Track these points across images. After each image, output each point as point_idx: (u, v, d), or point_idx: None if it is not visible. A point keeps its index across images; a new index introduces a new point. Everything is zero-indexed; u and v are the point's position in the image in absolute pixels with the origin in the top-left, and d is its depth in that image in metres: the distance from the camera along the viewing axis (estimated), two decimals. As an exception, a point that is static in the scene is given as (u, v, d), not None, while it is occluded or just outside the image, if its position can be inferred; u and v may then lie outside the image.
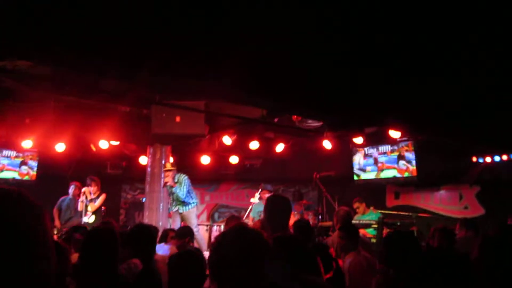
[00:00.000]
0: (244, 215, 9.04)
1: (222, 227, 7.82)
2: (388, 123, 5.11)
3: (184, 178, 7.66)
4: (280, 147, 8.70)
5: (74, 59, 3.63)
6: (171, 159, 7.91)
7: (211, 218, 10.79)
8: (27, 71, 5.21)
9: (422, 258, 2.57)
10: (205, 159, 8.80)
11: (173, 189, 7.55)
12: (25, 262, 0.84)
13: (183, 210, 7.61)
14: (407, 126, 5.15)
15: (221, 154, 8.93)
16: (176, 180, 7.62)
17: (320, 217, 8.62)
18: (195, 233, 7.21)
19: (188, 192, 7.66)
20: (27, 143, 7.82)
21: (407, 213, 7.86)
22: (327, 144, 7.82)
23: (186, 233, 5.09)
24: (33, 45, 3.41)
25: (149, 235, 3.57)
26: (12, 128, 7.14)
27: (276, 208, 3.23)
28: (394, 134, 7.03)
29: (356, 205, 7.43)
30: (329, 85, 3.78)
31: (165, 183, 7.55)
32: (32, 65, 5.23)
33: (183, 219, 7.62)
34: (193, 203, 7.74)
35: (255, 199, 8.94)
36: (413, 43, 3.39)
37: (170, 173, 7.55)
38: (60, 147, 8.03)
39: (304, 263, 1.98)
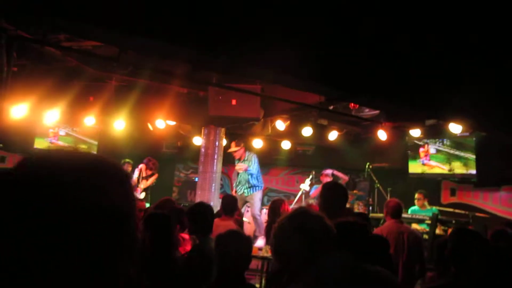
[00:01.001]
0: (293, 200, 9.07)
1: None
2: (451, 117, 4.90)
3: (253, 156, 7.69)
4: (333, 135, 8.58)
5: (139, 42, 3.73)
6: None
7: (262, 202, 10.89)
8: (92, 51, 5.44)
9: (488, 259, 2.47)
10: (258, 143, 8.84)
11: (244, 172, 7.55)
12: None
13: (248, 193, 7.60)
14: (471, 120, 4.90)
15: (274, 139, 8.94)
16: (245, 158, 7.65)
17: (370, 208, 8.48)
18: (257, 217, 7.31)
19: (258, 172, 7.68)
20: (89, 121, 8.18)
21: (463, 211, 7.55)
22: (382, 135, 7.62)
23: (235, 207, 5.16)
24: (100, 27, 3.53)
25: (206, 213, 3.68)
26: (76, 106, 7.49)
27: (332, 194, 3.21)
28: (455, 128, 6.72)
29: (418, 196, 7.29)
30: (392, 74, 3.67)
31: (239, 159, 7.56)
32: (96, 45, 5.45)
33: (247, 202, 7.65)
34: (259, 186, 7.75)
35: (305, 185, 8.93)
36: (487, 31, 3.21)
37: (238, 152, 7.56)
38: (119, 125, 8.34)
39: (368, 252, 1.94)
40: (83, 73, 6.60)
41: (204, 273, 3.01)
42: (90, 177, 0.70)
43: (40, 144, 8.48)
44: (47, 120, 7.96)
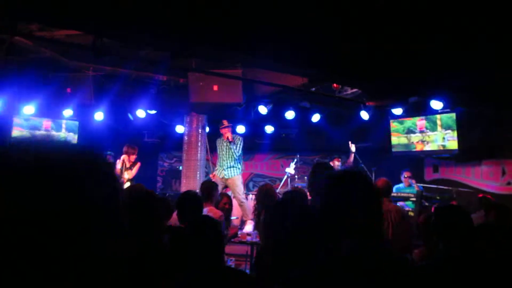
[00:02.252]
0: (279, 184, 9.07)
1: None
2: (433, 93, 4.92)
3: (240, 138, 7.58)
4: (316, 117, 8.58)
5: (114, 29, 3.62)
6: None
7: (245, 187, 10.89)
8: (65, 40, 5.27)
9: (473, 232, 2.50)
10: (241, 129, 8.79)
11: (230, 145, 7.39)
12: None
13: (230, 175, 7.45)
14: (452, 95, 4.94)
15: (257, 123, 8.90)
16: (233, 137, 7.51)
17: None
18: (243, 201, 7.22)
19: (240, 155, 7.56)
20: (68, 112, 8.00)
21: (447, 188, 7.66)
22: (364, 115, 7.65)
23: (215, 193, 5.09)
24: (75, 15, 3.41)
25: (195, 201, 3.66)
26: (54, 98, 7.30)
27: (317, 174, 3.22)
28: (436, 104, 6.76)
29: (407, 174, 7.40)
30: (372, 51, 3.64)
31: (226, 137, 7.39)
32: (69, 35, 5.29)
33: (228, 185, 7.48)
34: (240, 168, 7.64)
35: (290, 169, 8.93)
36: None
37: (228, 129, 7.42)
38: (99, 116, 8.18)
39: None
40: (59, 64, 6.43)
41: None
42: (68, 164, 0.69)
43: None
44: (24, 113, 7.76)
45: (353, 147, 8.42)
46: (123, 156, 8.11)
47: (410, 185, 7.46)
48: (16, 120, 8.08)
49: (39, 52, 5.90)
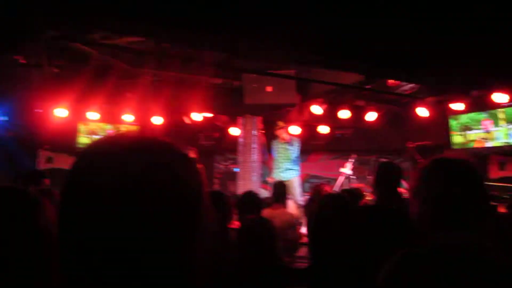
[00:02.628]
0: (334, 185, 8.95)
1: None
2: (497, 86, 4.67)
3: (296, 139, 7.60)
4: (371, 116, 8.40)
5: (173, 33, 3.75)
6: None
7: (302, 188, 10.81)
8: (127, 46, 5.52)
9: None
10: (295, 130, 8.77)
11: (287, 146, 7.43)
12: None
13: (287, 177, 7.47)
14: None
15: (311, 124, 8.84)
16: (290, 138, 7.55)
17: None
18: (301, 204, 7.21)
19: (297, 156, 7.57)
20: (128, 117, 8.35)
21: (515, 185, 7.22)
22: (422, 111, 7.39)
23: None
24: (137, 21, 3.57)
25: (255, 201, 3.71)
26: (115, 103, 7.64)
27: (386, 173, 3.17)
28: (499, 97, 6.38)
29: None
30: (432, 45, 3.52)
31: (282, 139, 7.44)
32: (130, 41, 5.53)
33: None
34: (297, 170, 7.65)
35: (346, 169, 8.78)
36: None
37: (284, 130, 7.46)
38: (157, 120, 8.46)
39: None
40: (119, 70, 6.73)
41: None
42: (162, 161, 0.69)
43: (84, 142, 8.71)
44: (88, 118, 8.17)
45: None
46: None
47: None
48: (80, 126, 8.53)
49: (102, 59, 6.21)
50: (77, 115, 7.79)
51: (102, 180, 0.64)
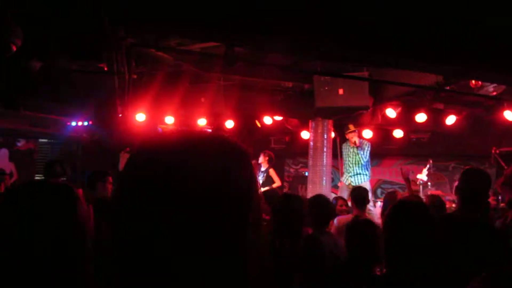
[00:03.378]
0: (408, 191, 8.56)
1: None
2: None
3: (367, 143, 7.47)
4: (451, 119, 7.94)
5: (245, 38, 3.79)
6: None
7: (373, 194, 10.49)
8: (201, 51, 5.67)
9: None
10: (368, 133, 8.52)
11: (358, 150, 7.32)
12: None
13: (356, 182, 7.35)
14: None
15: (385, 127, 8.55)
16: (360, 142, 7.44)
17: (500, 197, 7.68)
18: (370, 209, 7.03)
19: (367, 161, 7.43)
20: (202, 122, 8.59)
21: None
22: (508, 115, 6.87)
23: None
24: (209, 27, 3.65)
25: (322, 206, 3.64)
26: (190, 108, 7.90)
27: (472, 181, 2.97)
28: None
29: None
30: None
31: (353, 143, 7.36)
32: (204, 47, 5.69)
33: None
34: (367, 175, 7.49)
35: (422, 175, 8.39)
36: None
37: (355, 134, 7.39)
38: (229, 124, 8.62)
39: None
40: (194, 76, 6.95)
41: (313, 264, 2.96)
42: (217, 158, 0.69)
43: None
44: (165, 123, 8.52)
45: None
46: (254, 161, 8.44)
47: None
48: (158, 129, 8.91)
49: (177, 65, 6.44)
50: (155, 119, 8.15)
51: (152, 175, 0.65)
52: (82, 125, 8.61)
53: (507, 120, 6.92)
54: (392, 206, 2.03)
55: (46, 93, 5.89)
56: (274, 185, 8.02)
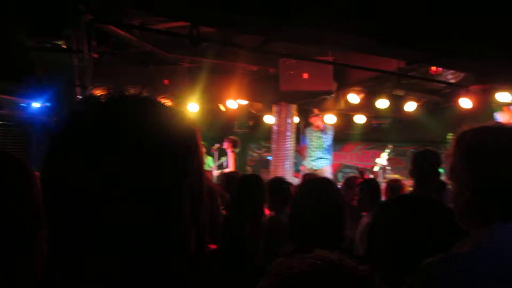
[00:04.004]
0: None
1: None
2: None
3: (331, 127, 7.55)
4: (411, 106, 8.16)
5: (210, 15, 3.73)
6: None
7: (335, 178, 10.70)
8: (165, 31, 5.55)
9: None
10: (330, 118, 8.64)
11: (322, 134, 7.38)
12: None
13: (319, 166, 7.46)
14: None
15: (347, 113, 8.70)
16: (324, 127, 7.51)
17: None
18: None
19: (330, 146, 7.52)
20: (165, 103, 8.42)
21: None
22: (465, 102, 7.12)
23: None
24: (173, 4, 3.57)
25: (283, 188, 3.67)
26: (153, 90, 7.72)
27: (423, 162, 3.06)
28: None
29: None
30: (482, 27, 3.35)
31: (317, 127, 7.40)
32: (169, 27, 5.57)
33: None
34: (329, 159, 7.60)
35: (381, 160, 8.61)
36: None
37: (319, 118, 7.44)
38: (193, 107, 8.51)
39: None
40: (158, 58, 6.80)
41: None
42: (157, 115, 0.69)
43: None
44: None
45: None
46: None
47: None
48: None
49: (141, 46, 6.28)
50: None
51: (91, 124, 0.64)
52: (40, 107, 8.27)
53: (463, 107, 7.17)
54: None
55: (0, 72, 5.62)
56: (226, 170, 7.99)
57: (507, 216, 1.12)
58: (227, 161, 8.22)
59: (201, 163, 0.72)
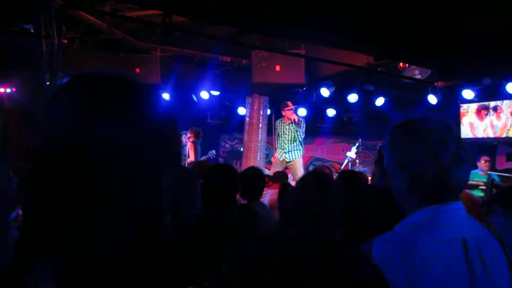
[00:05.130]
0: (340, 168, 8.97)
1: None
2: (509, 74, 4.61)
3: (303, 120, 7.58)
4: (380, 101, 8.36)
5: (184, 4, 3.71)
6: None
7: (305, 170, 10.83)
8: (137, 18, 5.49)
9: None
10: (302, 111, 8.74)
11: (297, 127, 7.41)
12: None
13: (291, 158, 7.51)
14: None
15: (318, 106, 8.81)
16: (299, 122, 7.54)
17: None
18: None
19: (302, 138, 7.57)
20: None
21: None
22: (432, 98, 7.34)
23: (285, 176, 5.17)
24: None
25: (256, 178, 3.71)
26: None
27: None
28: (512, 88, 6.34)
29: (484, 158, 7.03)
30: (446, 28, 3.47)
31: (292, 119, 7.41)
32: (140, 15, 5.50)
33: (289, 168, 7.46)
34: (301, 151, 7.65)
35: (351, 153, 8.78)
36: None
37: (290, 111, 7.46)
38: (165, 96, 8.45)
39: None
40: (130, 46, 6.71)
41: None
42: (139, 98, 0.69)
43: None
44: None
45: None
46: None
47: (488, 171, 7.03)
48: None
49: (112, 33, 6.18)
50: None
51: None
52: (4, 92, 8.03)
53: (430, 103, 7.38)
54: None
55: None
56: (188, 160, 7.99)
57: (433, 200, 1.22)
58: (187, 151, 8.19)
59: (180, 151, 0.75)
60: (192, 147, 8.22)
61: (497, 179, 6.92)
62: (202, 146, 9.07)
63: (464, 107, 8.08)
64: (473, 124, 8.06)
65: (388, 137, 1.33)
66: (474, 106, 7.94)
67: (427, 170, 1.21)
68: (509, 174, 7.55)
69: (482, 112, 7.88)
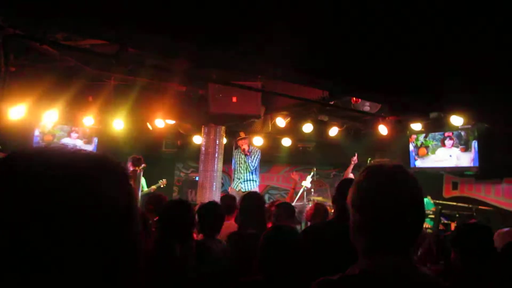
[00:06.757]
0: (295, 198, 9.02)
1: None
2: (454, 108, 4.87)
3: (257, 150, 7.64)
4: (333, 131, 8.56)
5: (139, 38, 3.68)
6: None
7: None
8: (90, 49, 5.39)
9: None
10: (258, 141, 8.80)
11: (246, 158, 7.44)
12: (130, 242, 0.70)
13: (246, 188, 7.53)
14: (474, 112, 4.88)
15: (274, 136, 8.91)
16: (250, 150, 7.59)
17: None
18: None
19: (256, 168, 7.61)
20: (88, 120, 8.12)
21: (466, 205, 7.52)
22: (383, 129, 7.60)
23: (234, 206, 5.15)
24: (99, 24, 3.48)
25: (214, 213, 3.68)
26: (75, 106, 7.43)
27: (344, 189, 3.20)
28: (457, 120, 6.70)
29: None
30: (396, 65, 3.63)
31: (242, 150, 7.46)
32: (95, 44, 5.40)
33: None
34: (257, 181, 7.70)
35: (306, 182, 8.89)
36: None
37: (245, 141, 7.50)
38: (118, 124, 8.27)
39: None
40: (82, 73, 6.55)
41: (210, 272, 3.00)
42: (86, 172, 0.67)
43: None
44: (45, 120, 7.88)
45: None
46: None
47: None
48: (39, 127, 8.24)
49: (64, 60, 6.03)
50: (35, 116, 7.50)
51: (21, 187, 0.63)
52: None
53: (381, 134, 7.65)
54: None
55: None
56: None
57: (387, 249, 1.27)
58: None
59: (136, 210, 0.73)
60: (132, 177, 8.01)
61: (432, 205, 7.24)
62: (155, 175, 8.91)
63: (412, 138, 8.41)
64: (422, 154, 8.38)
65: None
66: (421, 137, 8.28)
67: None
68: (455, 203, 7.89)
69: (429, 142, 8.23)
